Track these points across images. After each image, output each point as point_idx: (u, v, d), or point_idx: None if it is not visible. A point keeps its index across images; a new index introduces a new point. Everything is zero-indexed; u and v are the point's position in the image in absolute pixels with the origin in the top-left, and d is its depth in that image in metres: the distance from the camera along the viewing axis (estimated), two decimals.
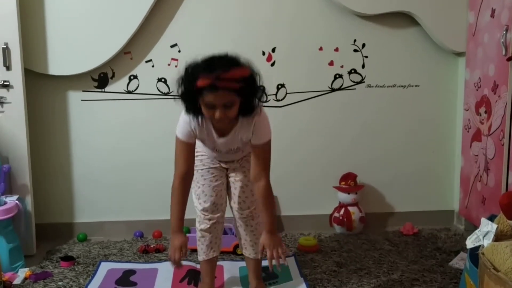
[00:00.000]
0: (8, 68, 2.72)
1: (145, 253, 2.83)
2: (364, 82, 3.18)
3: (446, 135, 3.27)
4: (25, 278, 2.48)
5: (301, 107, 3.16)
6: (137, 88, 3.09)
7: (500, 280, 1.55)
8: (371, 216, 3.21)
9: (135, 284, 2.44)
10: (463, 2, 3.03)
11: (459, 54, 3.16)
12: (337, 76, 3.16)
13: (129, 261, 2.73)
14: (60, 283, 2.45)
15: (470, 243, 1.86)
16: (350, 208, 3.11)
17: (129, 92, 3.09)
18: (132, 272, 2.58)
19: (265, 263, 2.11)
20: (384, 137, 3.24)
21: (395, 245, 2.90)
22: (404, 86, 3.21)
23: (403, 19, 3.13)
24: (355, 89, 3.18)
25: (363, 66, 3.17)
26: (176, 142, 2.05)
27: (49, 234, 3.06)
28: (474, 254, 1.86)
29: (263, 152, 2.05)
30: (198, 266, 2.42)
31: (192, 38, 3.05)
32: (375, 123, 3.22)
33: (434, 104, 3.24)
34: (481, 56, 2.84)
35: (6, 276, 2.43)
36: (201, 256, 2.25)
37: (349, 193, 3.12)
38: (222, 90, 1.79)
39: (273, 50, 3.11)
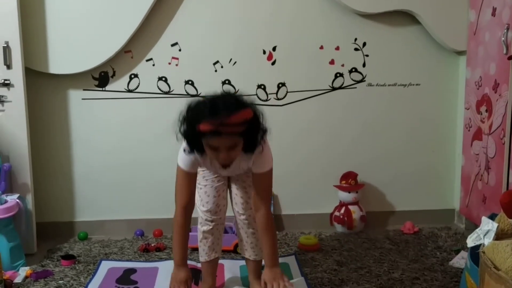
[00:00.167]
0: (8, 67, 2.73)
1: (146, 251, 2.84)
2: (364, 81, 3.18)
3: (446, 134, 3.27)
4: (26, 277, 2.48)
5: (302, 106, 3.16)
6: (137, 87, 3.09)
7: (500, 279, 1.55)
8: (372, 215, 3.21)
9: (135, 282, 2.44)
10: (464, 1, 3.03)
11: (460, 53, 3.16)
12: (338, 75, 3.16)
13: (130, 260, 2.73)
14: (60, 281, 2.45)
15: (470, 242, 1.86)
16: (350, 207, 3.11)
17: (129, 91, 3.09)
18: (132, 270, 2.58)
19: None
20: (384, 135, 3.24)
21: (396, 244, 2.90)
22: (404, 85, 3.21)
23: (404, 17, 3.12)
24: (355, 88, 3.18)
25: (363, 65, 3.17)
26: (177, 171, 2.03)
27: (50, 233, 3.06)
28: (475, 253, 1.86)
29: (264, 180, 2.04)
30: (198, 265, 2.42)
31: (192, 36, 3.05)
32: (375, 122, 3.22)
33: (435, 102, 3.23)
34: (482, 55, 2.84)
35: (7, 274, 2.44)
36: (203, 257, 2.25)
37: (349, 192, 3.12)
38: (226, 134, 1.78)
39: (274, 49, 3.11)
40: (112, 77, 3.07)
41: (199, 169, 2.14)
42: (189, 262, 2.56)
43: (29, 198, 2.82)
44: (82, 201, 3.16)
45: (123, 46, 2.97)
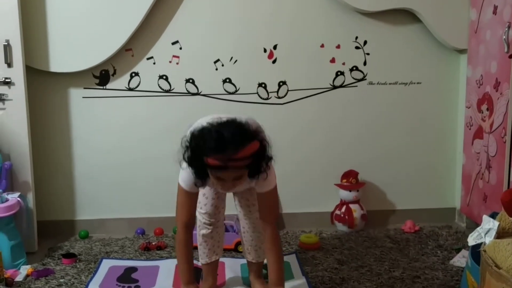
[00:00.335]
0: (9, 65, 2.73)
1: (147, 250, 2.84)
2: (365, 79, 3.18)
3: (447, 132, 3.26)
4: (27, 275, 2.48)
5: (303, 104, 3.16)
6: (138, 85, 3.09)
7: (501, 277, 1.55)
8: (373, 213, 3.21)
9: (136, 281, 2.45)
10: None
11: (461, 51, 3.15)
12: (339, 73, 3.16)
13: (131, 258, 2.73)
14: (61, 280, 2.45)
15: (471, 240, 1.86)
16: (351, 205, 3.11)
17: (130, 89, 3.09)
18: (133, 269, 2.58)
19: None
20: (385, 134, 3.23)
21: (397, 243, 2.90)
22: (405, 83, 3.21)
23: (404, 16, 3.12)
24: (356, 86, 3.18)
25: (364, 63, 3.16)
26: (178, 190, 2.01)
27: (51, 231, 3.06)
28: (476, 251, 1.86)
29: (267, 199, 2.01)
30: (199, 263, 2.42)
31: (193, 35, 3.05)
32: (376, 120, 3.22)
33: (436, 101, 3.23)
34: (483, 53, 2.84)
35: (8, 273, 2.44)
36: (203, 260, 2.24)
37: (350, 191, 3.12)
38: (232, 168, 1.75)
39: (275, 47, 3.10)
40: (112, 75, 3.07)
41: None
42: None
43: (30, 197, 2.82)
44: (83, 199, 3.16)
45: (123, 44, 2.97)
